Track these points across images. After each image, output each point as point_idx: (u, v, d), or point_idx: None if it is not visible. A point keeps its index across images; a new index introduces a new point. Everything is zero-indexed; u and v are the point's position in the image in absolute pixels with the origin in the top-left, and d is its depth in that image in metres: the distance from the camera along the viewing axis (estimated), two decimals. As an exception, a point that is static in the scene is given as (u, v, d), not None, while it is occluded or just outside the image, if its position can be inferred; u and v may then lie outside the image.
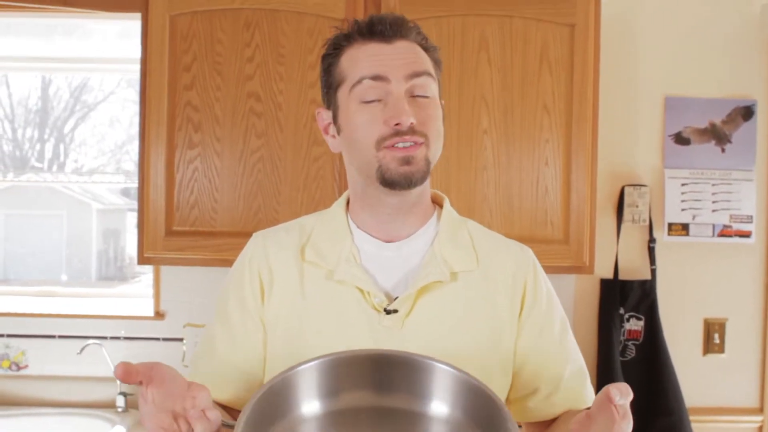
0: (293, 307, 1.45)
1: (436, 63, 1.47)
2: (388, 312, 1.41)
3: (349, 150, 1.46)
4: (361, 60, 1.41)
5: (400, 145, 1.36)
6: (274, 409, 1.18)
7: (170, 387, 1.15)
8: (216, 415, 1.14)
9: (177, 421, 1.13)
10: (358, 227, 1.50)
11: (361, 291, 1.42)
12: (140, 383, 1.13)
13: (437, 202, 1.58)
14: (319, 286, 1.45)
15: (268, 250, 1.51)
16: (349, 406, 1.24)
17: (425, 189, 1.48)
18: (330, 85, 1.47)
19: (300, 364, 1.22)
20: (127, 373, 1.11)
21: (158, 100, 2.63)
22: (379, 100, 1.38)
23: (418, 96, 1.39)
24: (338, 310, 1.43)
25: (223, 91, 2.64)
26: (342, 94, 1.43)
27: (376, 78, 1.38)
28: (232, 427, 1.12)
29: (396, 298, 1.42)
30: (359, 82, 1.39)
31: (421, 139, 1.37)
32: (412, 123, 1.35)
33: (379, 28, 1.41)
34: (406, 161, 1.36)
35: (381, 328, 1.40)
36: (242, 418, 1.11)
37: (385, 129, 1.36)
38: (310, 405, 1.22)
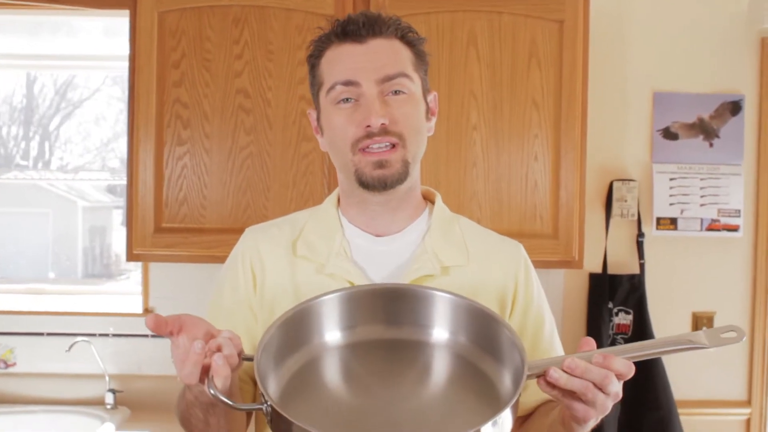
0: (284, 300, 1.45)
1: (420, 56, 1.47)
2: None
3: (330, 151, 1.48)
4: (334, 64, 1.42)
5: (375, 147, 1.38)
6: (296, 336, 1.28)
7: (197, 332, 1.16)
8: (236, 344, 1.18)
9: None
10: (349, 222, 1.51)
11: (352, 284, 1.43)
12: (170, 334, 1.15)
13: (429, 199, 1.58)
14: (310, 279, 1.46)
15: (259, 244, 1.53)
16: (364, 338, 1.32)
17: (413, 186, 1.49)
18: (314, 86, 1.49)
19: (321, 295, 1.32)
20: (157, 324, 1.13)
21: (147, 96, 2.62)
22: (354, 101, 1.39)
23: (393, 94, 1.39)
24: None
25: (212, 87, 2.64)
26: (322, 96, 1.45)
27: (347, 83, 1.39)
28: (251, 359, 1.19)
29: None
30: (332, 87, 1.41)
31: (394, 140, 1.38)
32: (383, 124, 1.36)
33: (351, 29, 1.41)
34: (380, 165, 1.38)
35: None
36: (261, 344, 1.19)
37: (358, 131, 1.38)
38: (332, 334, 1.32)
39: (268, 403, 1.09)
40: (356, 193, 1.46)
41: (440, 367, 1.30)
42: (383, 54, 1.40)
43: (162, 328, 1.14)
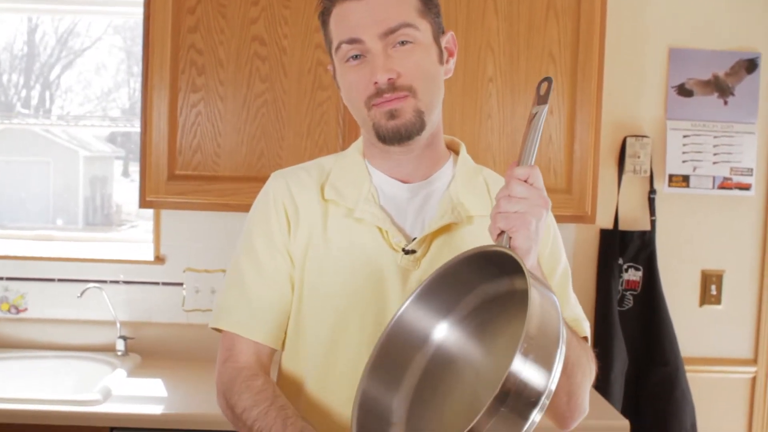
0: (316, 243, 1.47)
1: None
2: (406, 252, 1.43)
3: (348, 106, 1.48)
4: (339, 22, 1.42)
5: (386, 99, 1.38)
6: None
7: None
8: None
9: None
10: (375, 168, 1.52)
11: (380, 230, 1.45)
12: None
13: (453, 149, 1.59)
14: (340, 223, 1.48)
15: (291, 187, 1.53)
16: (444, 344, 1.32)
17: (435, 133, 1.50)
18: (327, 44, 1.49)
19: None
20: None
21: (161, 42, 2.59)
22: (362, 57, 1.39)
23: (399, 45, 1.38)
24: (358, 247, 1.46)
25: (227, 34, 2.61)
26: (333, 54, 1.45)
27: (351, 41, 1.39)
28: None
29: (414, 239, 1.44)
30: (339, 46, 1.41)
31: (403, 93, 1.37)
32: (390, 79, 1.36)
33: None
34: (392, 115, 1.38)
35: (397, 267, 1.43)
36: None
37: (369, 88, 1.38)
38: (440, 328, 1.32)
39: None
40: (378, 145, 1.46)
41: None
42: (384, 6, 1.38)
43: None
